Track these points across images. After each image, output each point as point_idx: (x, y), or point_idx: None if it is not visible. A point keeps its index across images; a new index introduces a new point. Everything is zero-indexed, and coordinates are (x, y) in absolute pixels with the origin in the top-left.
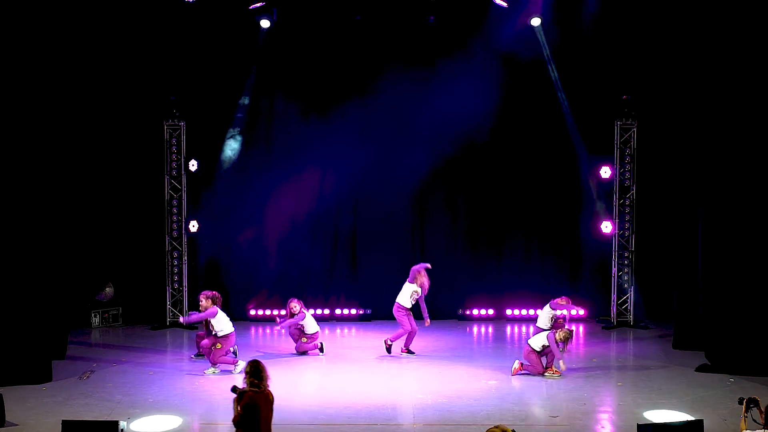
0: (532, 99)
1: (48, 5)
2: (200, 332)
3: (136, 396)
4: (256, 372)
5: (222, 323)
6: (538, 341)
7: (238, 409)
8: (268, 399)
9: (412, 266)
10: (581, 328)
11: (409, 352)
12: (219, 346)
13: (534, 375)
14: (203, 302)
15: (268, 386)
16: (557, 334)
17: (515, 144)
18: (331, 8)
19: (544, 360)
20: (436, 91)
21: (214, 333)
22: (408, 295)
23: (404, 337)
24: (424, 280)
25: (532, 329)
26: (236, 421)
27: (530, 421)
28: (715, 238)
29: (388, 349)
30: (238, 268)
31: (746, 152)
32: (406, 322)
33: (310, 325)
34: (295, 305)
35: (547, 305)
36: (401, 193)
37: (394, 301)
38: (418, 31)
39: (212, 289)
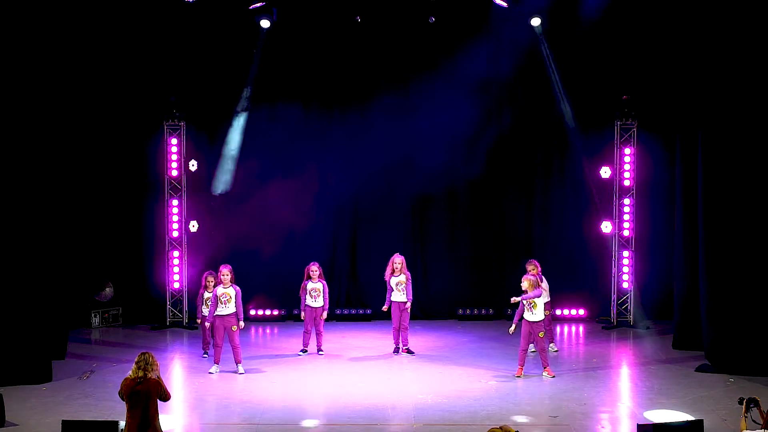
0: (531, 99)
1: (48, 5)
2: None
3: None
4: (138, 362)
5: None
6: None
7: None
8: (137, 385)
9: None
10: (581, 328)
11: (409, 351)
12: (235, 328)
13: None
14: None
15: (142, 374)
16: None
17: (515, 144)
18: (331, 8)
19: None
20: (436, 91)
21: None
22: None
23: (401, 335)
24: (396, 265)
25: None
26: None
27: (530, 421)
28: (715, 238)
29: (410, 351)
30: (238, 268)
31: (747, 152)
32: (396, 318)
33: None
34: (315, 269)
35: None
36: (401, 194)
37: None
38: (418, 32)
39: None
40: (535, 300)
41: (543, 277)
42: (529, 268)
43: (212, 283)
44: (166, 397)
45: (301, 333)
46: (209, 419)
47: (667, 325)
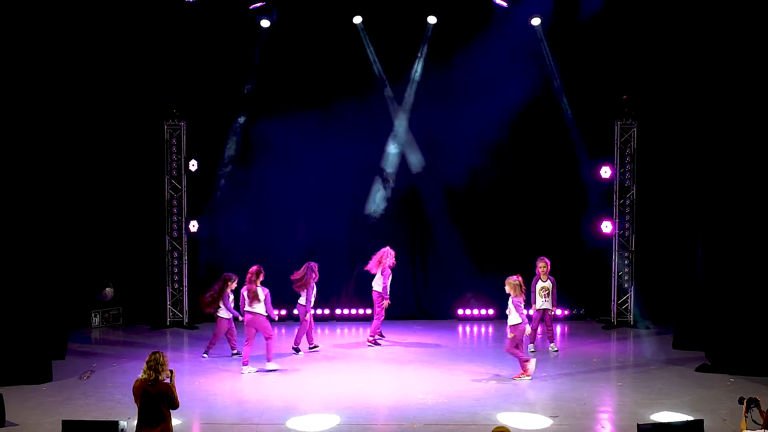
0: (532, 98)
1: (48, 5)
2: (216, 332)
3: None
4: (149, 362)
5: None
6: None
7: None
8: (148, 387)
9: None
10: (581, 329)
11: (375, 343)
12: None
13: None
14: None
15: (154, 376)
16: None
17: (515, 144)
18: (331, 8)
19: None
20: (436, 90)
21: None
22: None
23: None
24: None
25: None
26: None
27: (530, 422)
28: (715, 238)
29: (376, 343)
30: (238, 269)
31: (747, 152)
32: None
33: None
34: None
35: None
36: (401, 193)
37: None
38: (418, 32)
39: (211, 288)
40: (511, 304)
41: (551, 277)
42: (540, 265)
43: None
44: (174, 404)
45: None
46: (209, 419)
47: (667, 325)
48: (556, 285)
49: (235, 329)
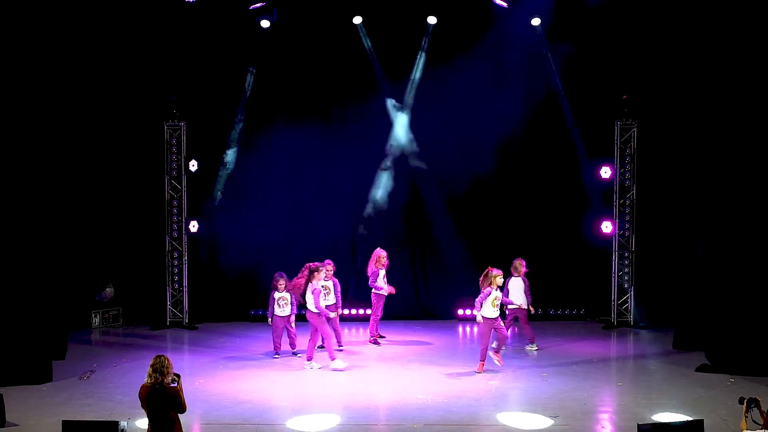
0: (532, 99)
1: (48, 5)
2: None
3: (136, 396)
4: (154, 365)
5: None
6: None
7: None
8: (154, 391)
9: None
10: (581, 329)
11: (375, 342)
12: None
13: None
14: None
15: (160, 380)
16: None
17: (515, 144)
18: (331, 8)
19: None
20: (436, 92)
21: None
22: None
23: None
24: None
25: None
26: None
27: (530, 422)
28: (715, 238)
29: (377, 342)
30: (239, 269)
31: (747, 152)
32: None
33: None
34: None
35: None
36: (402, 194)
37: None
38: (418, 32)
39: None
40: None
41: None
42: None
43: (283, 286)
44: (181, 408)
45: (300, 334)
46: (209, 419)
47: (667, 325)
48: (504, 287)
49: (292, 329)
